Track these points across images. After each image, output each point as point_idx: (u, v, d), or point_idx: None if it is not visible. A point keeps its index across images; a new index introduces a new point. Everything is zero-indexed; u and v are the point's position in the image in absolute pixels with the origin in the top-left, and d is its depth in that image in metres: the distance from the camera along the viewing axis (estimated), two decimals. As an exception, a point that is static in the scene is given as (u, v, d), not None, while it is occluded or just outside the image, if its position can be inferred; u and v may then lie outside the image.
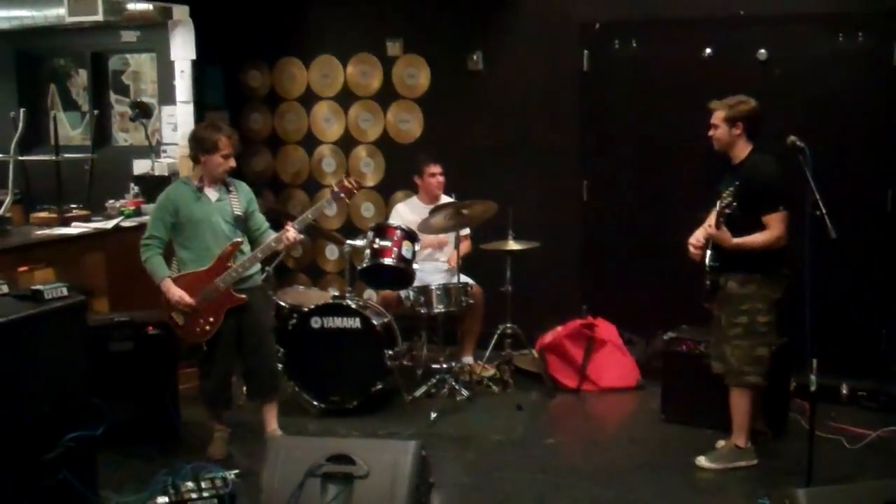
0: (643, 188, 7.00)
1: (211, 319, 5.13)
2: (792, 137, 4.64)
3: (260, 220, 5.40)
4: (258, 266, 5.34)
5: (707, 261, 4.94)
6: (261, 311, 5.36)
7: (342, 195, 5.34)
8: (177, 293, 5.08)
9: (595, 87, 7.09)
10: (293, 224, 5.22)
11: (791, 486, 4.60)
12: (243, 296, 5.16)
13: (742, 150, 4.97)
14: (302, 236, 5.27)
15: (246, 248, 5.24)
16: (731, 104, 4.97)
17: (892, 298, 6.37)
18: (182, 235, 5.18)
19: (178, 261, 5.25)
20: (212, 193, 5.19)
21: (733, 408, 5.07)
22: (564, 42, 7.12)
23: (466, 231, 6.71)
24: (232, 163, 5.18)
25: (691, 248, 5.07)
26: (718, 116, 4.99)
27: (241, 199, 5.28)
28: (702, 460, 5.10)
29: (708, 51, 6.72)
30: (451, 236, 6.62)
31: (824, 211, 4.36)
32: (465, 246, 6.73)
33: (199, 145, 5.12)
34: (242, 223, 5.26)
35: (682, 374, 5.80)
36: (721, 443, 5.21)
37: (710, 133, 5.04)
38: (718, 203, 4.73)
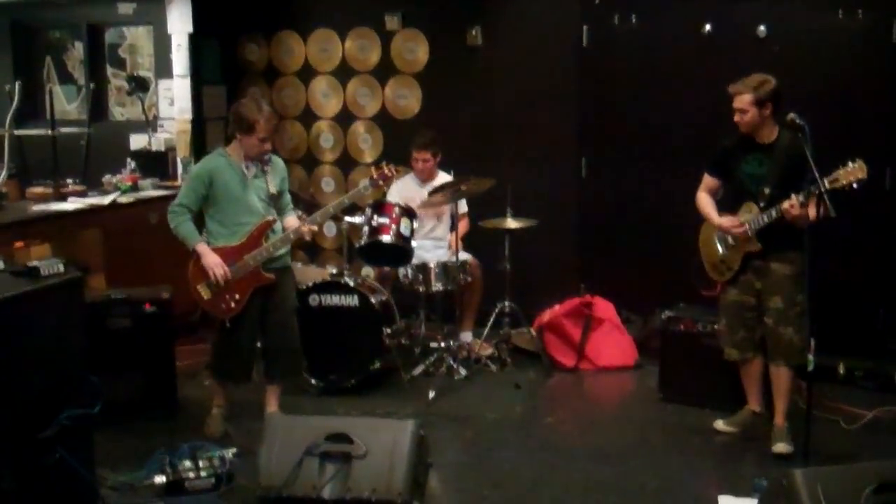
0: (642, 165, 6.98)
1: (237, 296, 5.06)
2: (791, 115, 4.61)
3: (286, 201, 5.35)
4: (288, 247, 5.26)
5: (750, 247, 4.95)
6: (287, 292, 5.30)
7: (381, 182, 5.33)
8: (214, 258, 4.99)
9: (594, 62, 7.05)
10: (316, 217, 5.23)
11: (788, 465, 4.65)
12: (271, 275, 5.10)
13: (772, 129, 4.91)
14: (317, 227, 5.26)
15: (278, 226, 5.18)
16: (755, 86, 4.85)
17: (890, 277, 6.37)
18: (215, 208, 5.08)
19: (207, 233, 5.14)
20: (249, 169, 5.09)
21: (785, 387, 5.02)
22: (564, 17, 7.08)
23: (464, 209, 6.69)
24: (268, 146, 5.08)
25: (739, 231, 4.96)
26: (745, 100, 4.87)
27: (276, 176, 5.21)
28: (780, 447, 4.97)
29: (707, 27, 6.69)
30: (443, 216, 6.62)
31: (824, 188, 4.35)
32: (464, 225, 6.71)
33: (238, 123, 5.01)
34: (276, 201, 5.21)
35: (679, 354, 5.79)
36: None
37: (737, 119, 4.92)
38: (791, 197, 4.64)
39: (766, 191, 4.86)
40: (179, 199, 5.06)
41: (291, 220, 5.29)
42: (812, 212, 4.54)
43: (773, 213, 4.76)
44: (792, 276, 4.88)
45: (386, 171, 5.32)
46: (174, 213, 5.04)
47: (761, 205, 4.88)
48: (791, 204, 4.64)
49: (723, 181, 5.21)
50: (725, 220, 5.05)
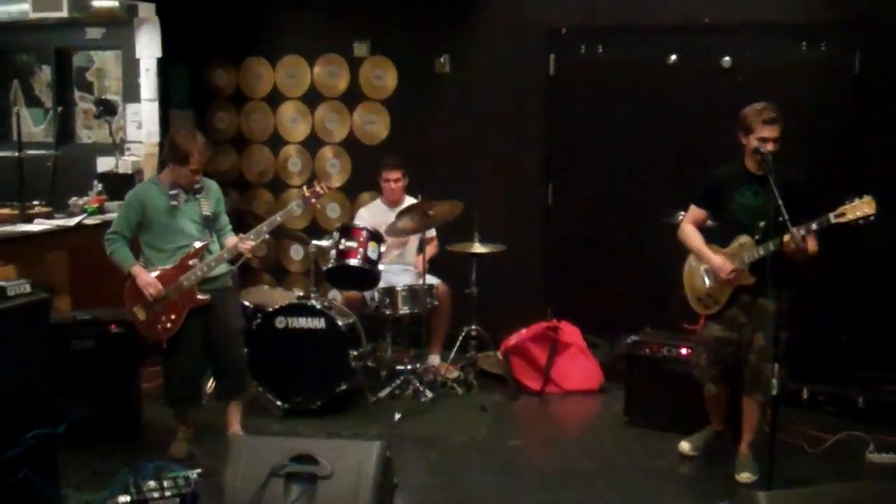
0: (608, 192, 7.05)
1: (172, 317, 5.11)
2: (755, 143, 4.69)
3: (224, 222, 5.39)
4: (227, 266, 5.31)
5: (742, 280, 4.86)
6: (229, 312, 5.33)
7: (312, 200, 5.32)
8: (148, 277, 5.06)
9: (561, 91, 7.13)
10: (250, 235, 5.21)
11: (752, 488, 4.70)
12: (206, 297, 5.13)
13: None
14: (254, 243, 5.23)
15: (215, 247, 5.23)
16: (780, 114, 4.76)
17: (853, 305, 6.46)
18: (150, 234, 5.15)
19: (144, 259, 5.21)
20: (181, 195, 5.15)
21: (757, 419, 5.03)
22: (531, 46, 7.16)
23: (433, 233, 6.72)
24: (199, 178, 5.15)
25: (729, 276, 4.87)
26: (780, 129, 4.75)
27: (210, 199, 5.26)
28: (745, 476, 4.99)
29: (673, 57, 6.79)
30: (410, 239, 6.65)
31: (786, 217, 4.39)
32: (432, 248, 6.74)
33: (173, 153, 5.07)
34: (212, 223, 5.24)
35: (645, 378, 5.83)
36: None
37: (772, 148, 4.71)
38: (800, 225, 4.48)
39: (762, 224, 4.74)
40: (113, 227, 5.17)
41: (230, 240, 5.30)
42: (812, 245, 4.54)
43: (771, 245, 4.61)
44: (777, 313, 4.61)
45: (318, 188, 5.30)
46: (109, 241, 5.13)
47: (757, 238, 4.76)
48: (787, 239, 4.47)
49: (711, 213, 5.10)
50: (717, 262, 4.90)
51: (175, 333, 5.13)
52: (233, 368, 5.33)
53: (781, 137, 4.73)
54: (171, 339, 5.15)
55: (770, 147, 4.70)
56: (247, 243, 5.17)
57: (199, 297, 5.12)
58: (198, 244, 5.13)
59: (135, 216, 5.10)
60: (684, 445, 5.31)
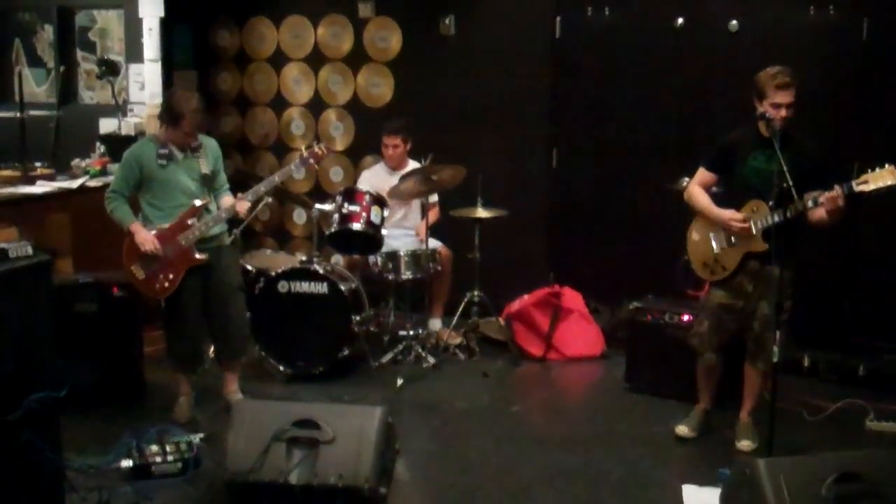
0: (612, 157, 7.00)
1: (171, 276, 5.11)
2: (768, 108, 4.64)
3: (221, 181, 5.38)
4: (224, 226, 5.31)
5: (754, 246, 4.79)
6: (227, 271, 5.32)
7: (311, 161, 5.29)
8: (146, 234, 5.06)
9: (567, 54, 7.08)
10: (248, 195, 5.21)
11: (752, 455, 4.71)
12: (204, 255, 5.13)
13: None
14: (249, 204, 5.23)
15: (213, 206, 5.22)
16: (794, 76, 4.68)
17: (855, 270, 6.45)
18: (149, 192, 5.15)
19: (143, 217, 5.19)
20: (177, 152, 5.14)
21: (758, 388, 5.03)
22: (537, 8, 7.10)
23: (435, 199, 6.69)
24: (192, 140, 5.14)
25: (742, 225, 4.78)
26: (794, 94, 4.66)
27: (208, 156, 5.24)
28: (745, 444, 5.00)
29: (680, 20, 6.71)
30: (413, 205, 6.64)
31: (791, 183, 4.36)
32: (434, 214, 6.71)
33: (167, 113, 5.08)
34: (210, 181, 5.25)
35: (646, 344, 5.84)
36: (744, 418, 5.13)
37: (787, 114, 4.63)
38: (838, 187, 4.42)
39: (775, 189, 4.57)
40: (112, 186, 5.18)
41: (227, 199, 5.30)
42: (823, 213, 4.49)
43: (788, 212, 4.51)
44: (784, 280, 4.58)
45: (317, 149, 5.28)
46: (109, 199, 5.15)
47: (771, 203, 4.64)
48: (833, 195, 4.42)
49: (721, 177, 5.02)
50: (727, 214, 4.83)
51: (173, 293, 5.14)
52: (233, 328, 5.34)
53: (791, 105, 4.65)
54: (170, 299, 5.17)
55: (783, 113, 4.63)
56: (243, 203, 5.17)
57: (197, 256, 5.12)
58: (197, 202, 5.12)
59: (132, 174, 5.11)
60: (683, 429, 5.17)
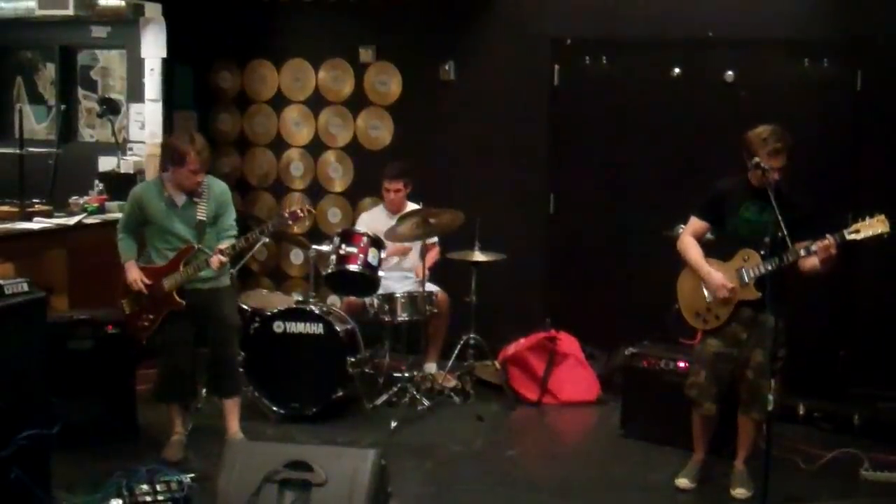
0: (610, 203, 7.04)
1: (150, 317, 5.21)
2: (756, 159, 4.67)
3: (225, 225, 5.33)
4: (211, 271, 5.21)
5: (747, 295, 4.81)
6: (225, 310, 5.34)
7: (290, 221, 5.30)
8: (135, 273, 5.20)
9: (565, 101, 7.13)
10: (226, 250, 5.15)
11: (747, 504, 4.69)
12: (183, 301, 5.16)
13: None
14: (220, 262, 5.17)
15: (202, 254, 5.17)
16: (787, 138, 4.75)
17: (850, 319, 6.45)
18: (148, 232, 5.27)
19: (145, 254, 5.32)
20: (178, 197, 5.19)
21: (752, 436, 5.01)
22: (536, 56, 7.15)
23: (434, 239, 6.71)
24: (200, 178, 5.15)
25: (727, 295, 4.83)
26: (785, 157, 4.73)
27: (210, 203, 5.23)
28: (740, 492, 4.96)
29: (676, 70, 6.78)
30: (415, 244, 6.64)
31: (785, 233, 4.39)
32: (434, 254, 6.74)
33: (168, 155, 5.14)
34: (206, 228, 5.22)
35: (642, 390, 5.82)
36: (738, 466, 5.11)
37: (777, 177, 4.67)
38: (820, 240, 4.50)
39: (766, 240, 4.65)
40: (120, 222, 5.40)
41: (224, 244, 5.25)
42: (816, 261, 4.52)
43: (778, 261, 4.59)
44: (778, 328, 4.58)
45: (298, 210, 5.27)
46: (118, 232, 5.34)
47: (762, 253, 4.68)
48: (826, 244, 4.48)
49: (713, 226, 5.06)
50: (718, 280, 4.84)
51: (160, 333, 5.23)
52: (226, 366, 5.36)
53: (784, 168, 4.70)
54: (155, 339, 5.27)
55: (776, 176, 4.67)
56: (214, 260, 5.12)
57: (177, 299, 5.16)
58: (186, 246, 5.17)
59: (133, 213, 5.27)
60: (683, 482, 5.10)
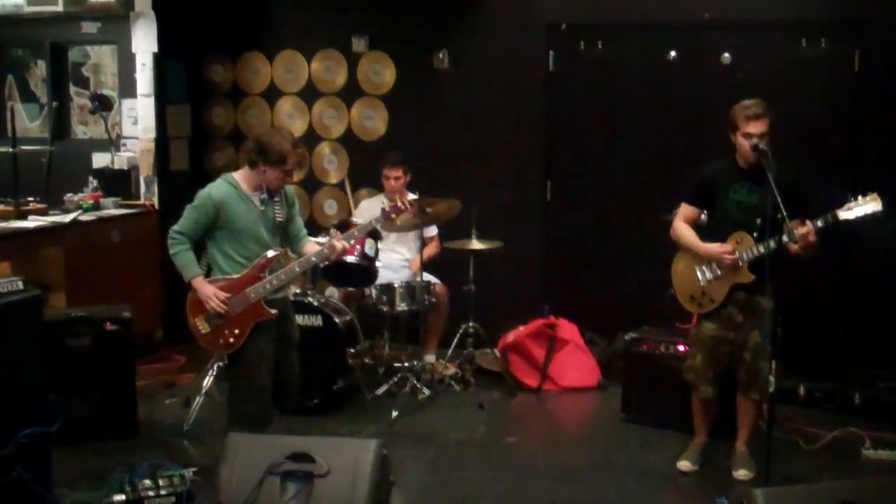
0: (606, 189, 7.03)
1: (236, 332, 4.73)
2: (754, 141, 4.66)
3: (299, 226, 5.07)
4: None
5: (741, 278, 4.82)
6: (291, 325, 5.07)
7: (392, 215, 5.25)
8: (210, 289, 4.68)
9: (560, 87, 7.11)
10: (339, 237, 4.96)
11: (749, 485, 4.68)
12: (274, 311, 4.77)
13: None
14: (343, 245, 4.96)
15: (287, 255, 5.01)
16: (768, 108, 4.73)
17: (851, 301, 6.45)
18: (221, 238, 4.75)
19: (211, 263, 4.86)
20: (256, 198, 4.78)
21: (753, 418, 5.03)
22: (530, 42, 7.13)
23: (434, 232, 6.70)
24: (292, 178, 4.87)
25: (733, 258, 4.79)
26: (768, 124, 4.69)
27: (285, 203, 4.92)
28: (742, 473, 4.97)
29: (673, 53, 6.76)
30: (411, 236, 6.64)
31: (785, 213, 4.39)
32: (434, 247, 6.73)
33: (264, 154, 4.67)
34: (282, 231, 4.95)
35: (642, 375, 5.82)
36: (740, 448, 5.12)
37: (764, 144, 4.67)
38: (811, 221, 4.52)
39: (758, 220, 4.69)
40: (180, 227, 4.73)
41: (309, 246, 5.02)
42: (813, 240, 4.50)
43: (772, 243, 4.60)
44: (771, 310, 4.72)
45: (399, 203, 5.19)
46: (174, 241, 4.72)
47: (755, 235, 4.72)
48: (804, 232, 4.49)
49: (704, 211, 5.05)
50: (715, 247, 4.86)
51: (241, 349, 4.76)
52: (290, 384, 5.04)
53: (769, 133, 4.69)
54: (235, 355, 4.79)
55: (754, 141, 4.68)
56: (339, 244, 4.89)
57: (267, 309, 4.76)
58: (270, 253, 4.78)
59: (205, 218, 4.69)
60: (685, 464, 5.12)
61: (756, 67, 6.49)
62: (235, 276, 4.75)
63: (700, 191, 5.03)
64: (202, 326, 4.78)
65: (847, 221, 4.48)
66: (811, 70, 6.41)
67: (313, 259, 4.92)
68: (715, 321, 4.96)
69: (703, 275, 4.97)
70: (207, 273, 4.84)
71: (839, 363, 6.37)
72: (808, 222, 4.52)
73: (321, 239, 5.22)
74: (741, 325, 4.90)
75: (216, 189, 4.76)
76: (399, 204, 5.20)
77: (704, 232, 5.04)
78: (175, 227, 4.76)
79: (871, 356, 6.28)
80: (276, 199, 4.86)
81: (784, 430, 5.44)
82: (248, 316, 4.74)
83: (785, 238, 4.55)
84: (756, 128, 4.68)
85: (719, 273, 4.89)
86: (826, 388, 6.04)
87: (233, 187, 4.76)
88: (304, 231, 5.13)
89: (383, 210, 5.23)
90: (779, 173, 4.60)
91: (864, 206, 4.46)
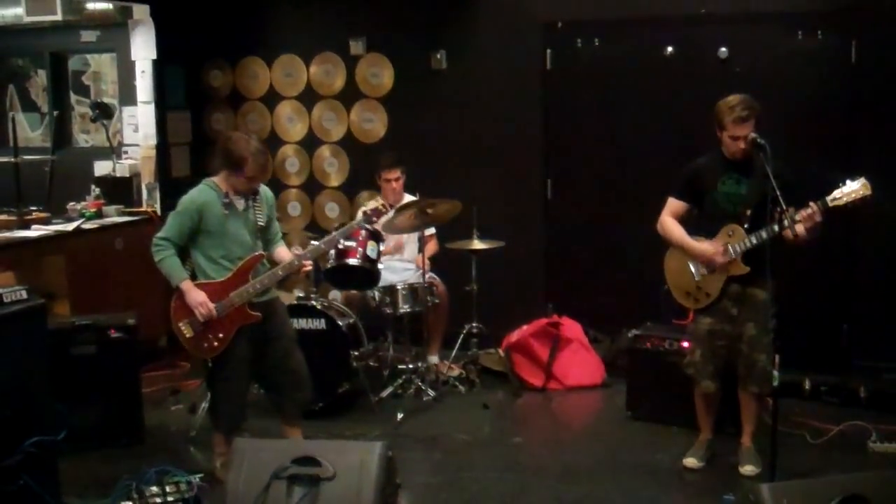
0: (607, 186, 7.03)
1: (220, 335, 4.78)
2: (752, 134, 4.65)
3: (275, 230, 5.13)
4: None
5: (736, 270, 4.82)
6: (283, 320, 5.09)
7: (374, 218, 5.25)
8: (199, 295, 4.71)
9: (558, 85, 7.11)
10: (307, 253, 5.02)
11: (755, 481, 4.68)
12: (258, 313, 4.82)
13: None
14: (310, 266, 5.07)
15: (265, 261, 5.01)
16: (755, 106, 4.73)
17: (853, 293, 6.45)
18: (204, 242, 4.80)
19: (194, 268, 4.86)
20: (238, 202, 4.84)
21: (755, 412, 5.04)
22: (527, 41, 7.13)
23: (432, 231, 6.70)
24: (256, 185, 4.87)
25: (724, 258, 4.82)
26: (753, 124, 4.71)
27: (264, 206, 4.98)
28: (748, 469, 4.97)
29: (669, 49, 6.76)
30: (409, 238, 6.63)
31: (784, 207, 4.39)
32: (433, 246, 6.73)
33: (227, 159, 4.74)
34: (264, 233, 5.00)
35: (647, 372, 5.82)
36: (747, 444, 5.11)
37: (743, 146, 4.71)
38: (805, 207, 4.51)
39: (748, 212, 4.73)
40: (165, 233, 4.77)
41: (282, 251, 5.09)
42: (801, 229, 4.47)
43: (764, 233, 4.61)
44: (766, 301, 4.75)
45: (380, 207, 5.19)
46: (159, 247, 4.75)
47: (746, 226, 4.75)
48: (810, 213, 4.50)
49: (692, 205, 5.04)
50: (706, 248, 4.87)
51: (223, 352, 4.82)
52: (300, 378, 5.06)
53: (756, 131, 4.68)
54: (219, 358, 4.85)
55: (741, 145, 4.70)
56: (307, 264, 4.96)
57: (252, 312, 4.81)
58: (256, 254, 4.86)
59: (189, 223, 4.74)
60: (691, 461, 5.12)
61: (753, 60, 6.49)
62: (219, 279, 4.80)
63: (688, 185, 5.04)
64: (186, 331, 4.82)
65: (837, 207, 4.50)
66: (808, 61, 6.41)
67: (280, 273, 4.90)
68: (711, 315, 4.97)
69: (696, 269, 4.97)
70: (192, 278, 4.85)
71: (843, 356, 6.37)
72: (811, 204, 4.52)
73: (296, 250, 5.28)
74: (736, 317, 4.91)
75: (198, 194, 4.82)
76: (379, 207, 5.21)
77: (695, 225, 5.03)
78: (159, 234, 4.80)
79: (875, 348, 6.28)
80: (257, 202, 4.92)
81: (790, 425, 5.46)
82: (233, 319, 4.80)
83: (786, 223, 4.48)
84: (742, 131, 4.70)
85: (714, 268, 4.90)
86: (831, 381, 6.03)
87: (214, 192, 4.81)
88: (279, 235, 5.19)
89: (365, 213, 5.28)
90: (766, 164, 4.60)
91: (854, 193, 4.48)
